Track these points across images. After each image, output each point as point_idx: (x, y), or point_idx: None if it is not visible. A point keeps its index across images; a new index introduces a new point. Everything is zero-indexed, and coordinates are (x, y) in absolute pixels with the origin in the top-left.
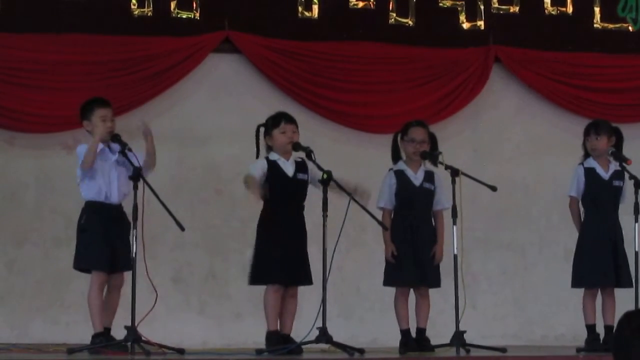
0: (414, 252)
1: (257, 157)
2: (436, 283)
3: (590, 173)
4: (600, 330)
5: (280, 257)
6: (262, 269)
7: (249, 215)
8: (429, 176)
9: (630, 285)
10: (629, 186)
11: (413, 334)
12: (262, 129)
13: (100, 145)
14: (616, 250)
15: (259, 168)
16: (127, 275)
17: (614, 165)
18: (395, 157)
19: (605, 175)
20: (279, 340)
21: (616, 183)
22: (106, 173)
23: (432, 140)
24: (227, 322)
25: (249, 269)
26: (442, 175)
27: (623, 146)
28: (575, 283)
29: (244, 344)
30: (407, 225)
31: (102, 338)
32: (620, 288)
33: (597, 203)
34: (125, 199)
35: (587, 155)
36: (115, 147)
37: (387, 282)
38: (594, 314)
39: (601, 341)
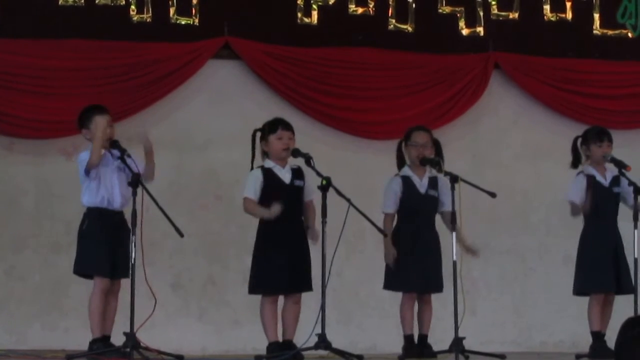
0: (417, 258)
1: (253, 160)
2: (439, 288)
3: (591, 181)
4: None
5: (279, 266)
6: (259, 279)
7: (248, 222)
8: (433, 182)
9: (632, 292)
10: (628, 190)
11: (415, 339)
12: (258, 134)
13: (101, 151)
14: (617, 256)
15: (253, 183)
16: (125, 281)
17: (611, 172)
18: (401, 164)
19: (605, 182)
20: (280, 350)
21: (616, 190)
22: (108, 178)
23: (437, 146)
24: (226, 328)
25: (249, 278)
26: (445, 180)
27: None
28: (578, 290)
29: (243, 350)
30: (411, 232)
31: (100, 344)
32: (622, 295)
33: (599, 211)
34: (126, 205)
35: (577, 160)
36: (115, 152)
37: (387, 285)
38: (599, 321)
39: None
